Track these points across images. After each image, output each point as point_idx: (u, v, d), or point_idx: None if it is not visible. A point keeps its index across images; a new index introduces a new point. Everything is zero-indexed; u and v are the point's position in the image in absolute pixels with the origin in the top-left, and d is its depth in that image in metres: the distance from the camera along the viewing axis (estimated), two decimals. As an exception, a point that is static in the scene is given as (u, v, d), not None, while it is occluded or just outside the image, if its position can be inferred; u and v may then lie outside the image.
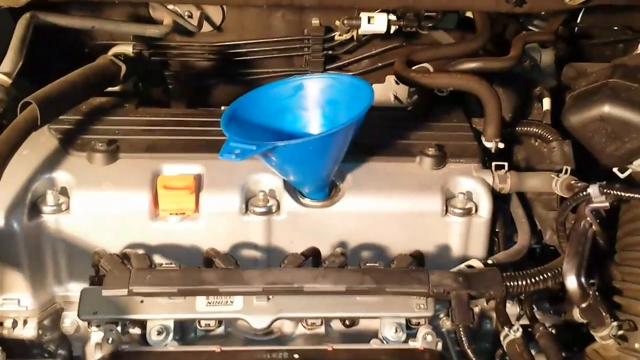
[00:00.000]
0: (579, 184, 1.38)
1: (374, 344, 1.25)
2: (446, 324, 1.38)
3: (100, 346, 1.21)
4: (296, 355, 1.21)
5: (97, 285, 1.26)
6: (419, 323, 1.30)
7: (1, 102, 1.38)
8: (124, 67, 1.56)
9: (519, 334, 1.23)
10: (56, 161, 1.39)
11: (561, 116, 1.48)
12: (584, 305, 1.25)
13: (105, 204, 1.34)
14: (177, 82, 1.86)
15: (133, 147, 1.43)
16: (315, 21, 1.81)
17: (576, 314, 1.31)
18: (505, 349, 1.24)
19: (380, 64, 1.86)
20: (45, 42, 1.57)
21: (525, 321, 1.35)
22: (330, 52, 1.83)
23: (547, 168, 1.52)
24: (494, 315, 1.43)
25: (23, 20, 1.52)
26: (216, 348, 1.21)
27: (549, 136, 1.55)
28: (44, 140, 1.43)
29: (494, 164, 1.44)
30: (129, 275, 1.21)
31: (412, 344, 1.24)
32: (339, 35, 1.75)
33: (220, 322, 1.33)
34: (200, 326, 1.32)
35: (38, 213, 1.34)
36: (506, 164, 1.44)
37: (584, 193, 1.29)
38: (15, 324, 1.36)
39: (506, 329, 1.24)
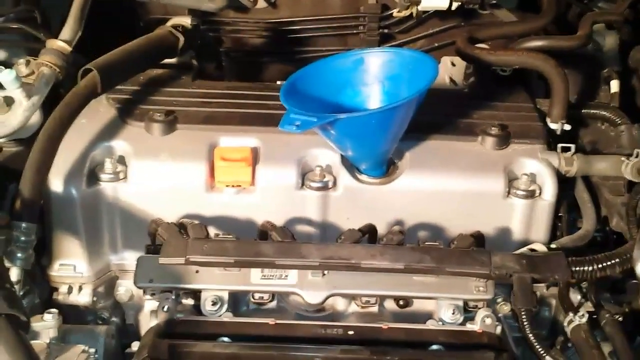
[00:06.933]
0: (652, 167, 1.32)
1: (431, 325, 1.23)
2: (503, 308, 1.33)
3: (156, 314, 1.22)
4: (351, 332, 1.20)
5: (153, 254, 1.26)
6: (476, 306, 1.26)
7: (61, 69, 1.38)
8: (182, 39, 1.55)
9: (584, 319, 1.18)
10: (114, 130, 1.39)
11: None
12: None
13: (163, 174, 1.34)
14: (229, 58, 1.85)
15: (190, 119, 1.42)
16: (371, -2, 1.77)
17: (644, 303, 1.26)
18: (569, 335, 1.20)
19: (436, 44, 1.82)
20: (99, 16, 1.57)
21: (588, 309, 1.29)
22: (385, 30, 1.80)
23: (615, 152, 1.46)
24: (552, 302, 1.39)
25: (83, -11, 1.52)
26: (270, 321, 1.20)
27: (617, 119, 1.49)
28: (102, 109, 1.44)
29: (559, 145, 1.39)
30: (186, 244, 1.21)
31: (470, 327, 1.21)
32: (398, 11, 1.71)
33: (273, 296, 1.32)
34: (254, 299, 1.30)
35: (96, 181, 1.35)
36: (573, 146, 1.39)
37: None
38: (70, 289, 1.37)
39: (571, 314, 1.20)
